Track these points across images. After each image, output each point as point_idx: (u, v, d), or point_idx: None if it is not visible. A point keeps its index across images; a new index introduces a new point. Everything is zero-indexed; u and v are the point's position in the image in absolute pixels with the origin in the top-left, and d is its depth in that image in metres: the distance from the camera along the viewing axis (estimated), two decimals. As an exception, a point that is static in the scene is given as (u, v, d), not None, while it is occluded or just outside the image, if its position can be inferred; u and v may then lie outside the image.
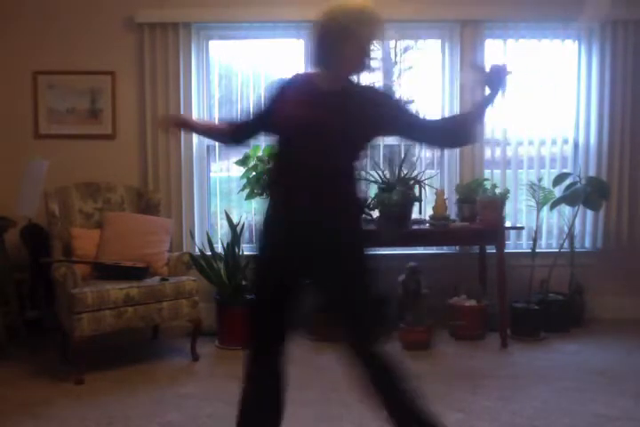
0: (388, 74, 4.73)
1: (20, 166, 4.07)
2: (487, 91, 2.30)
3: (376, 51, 2.29)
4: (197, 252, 4.35)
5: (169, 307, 3.74)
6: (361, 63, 2.26)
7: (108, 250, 3.95)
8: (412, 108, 2.38)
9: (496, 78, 2.30)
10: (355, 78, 2.35)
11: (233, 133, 2.49)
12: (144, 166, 4.54)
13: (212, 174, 4.75)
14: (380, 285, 2.29)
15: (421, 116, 2.36)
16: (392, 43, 4.85)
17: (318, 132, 2.22)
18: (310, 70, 2.34)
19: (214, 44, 4.68)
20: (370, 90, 2.39)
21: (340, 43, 2.18)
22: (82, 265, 3.80)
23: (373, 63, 2.29)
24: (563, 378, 3.51)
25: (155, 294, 3.70)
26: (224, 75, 4.80)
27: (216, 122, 2.49)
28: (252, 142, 2.66)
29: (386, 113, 2.28)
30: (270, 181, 2.38)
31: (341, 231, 2.27)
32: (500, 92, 2.31)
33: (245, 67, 4.69)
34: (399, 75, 4.85)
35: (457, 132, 2.33)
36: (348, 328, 2.30)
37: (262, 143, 4.02)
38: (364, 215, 2.44)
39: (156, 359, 3.91)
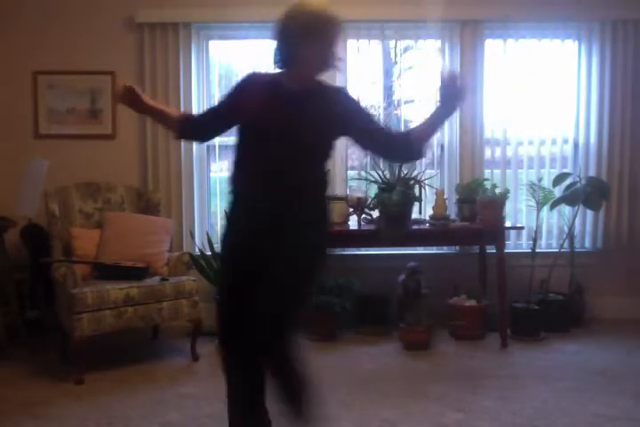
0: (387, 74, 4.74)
1: (20, 166, 4.07)
2: (441, 105, 2.29)
3: (340, 50, 2.31)
4: (197, 252, 4.35)
5: (169, 307, 3.74)
6: (324, 63, 2.29)
7: (108, 250, 3.95)
8: (374, 116, 2.43)
9: (449, 94, 2.27)
10: (320, 78, 2.37)
11: (184, 125, 2.45)
12: (144, 166, 4.54)
13: (211, 174, 4.75)
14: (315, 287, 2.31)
15: (381, 125, 2.41)
16: (392, 43, 4.86)
17: (282, 131, 2.25)
18: (275, 70, 2.36)
19: (214, 44, 4.68)
20: (334, 90, 2.42)
21: (301, 43, 2.21)
22: (82, 265, 3.80)
23: (338, 62, 2.32)
24: (563, 378, 3.51)
25: (155, 294, 3.70)
26: (224, 75, 4.80)
27: (171, 109, 2.45)
28: (203, 140, 2.67)
29: (347, 113, 2.32)
30: (233, 178, 2.40)
31: (299, 232, 2.29)
32: (453, 108, 2.30)
33: (245, 67, 4.69)
34: (399, 75, 4.85)
35: (410, 148, 2.36)
36: (265, 325, 2.24)
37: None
38: (329, 215, 2.45)
39: (156, 359, 3.91)
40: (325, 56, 2.26)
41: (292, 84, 2.31)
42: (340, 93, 2.40)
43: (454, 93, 2.25)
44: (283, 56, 2.27)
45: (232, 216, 2.43)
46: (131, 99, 2.33)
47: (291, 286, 2.27)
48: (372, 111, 2.43)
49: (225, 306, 2.48)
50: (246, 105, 2.30)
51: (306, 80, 2.32)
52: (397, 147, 2.37)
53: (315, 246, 2.34)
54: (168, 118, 2.47)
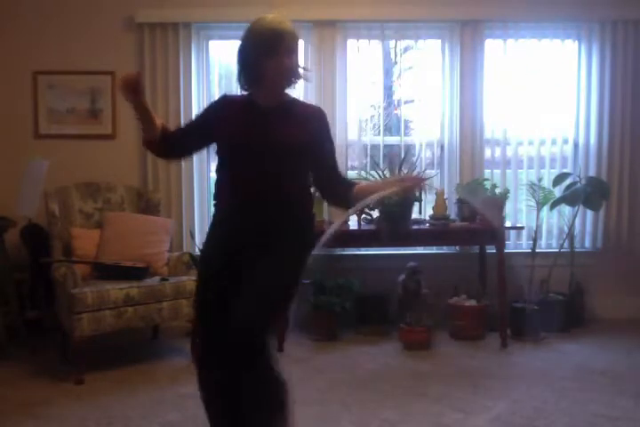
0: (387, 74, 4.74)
1: (20, 166, 4.07)
2: (397, 189, 2.30)
3: (302, 61, 2.35)
4: (197, 252, 4.34)
5: (169, 307, 3.74)
6: (289, 75, 2.30)
7: (108, 250, 3.95)
8: (334, 151, 2.42)
9: (406, 190, 2.35)
10: (293, 93, 2.41)
11: (161, 140, 2.39)
12: (144, 166, 4.54)
13: (211, 174, 4.74)
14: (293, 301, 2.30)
15: (336, 164, 2.41)
16: (392, 43, 4.86)
17: (266, 148, 2.26)
18: (244, 91, 2.37)
19: (214, 44, 4.67)
20: (314, 108, 2.45)
21: (262, 59, 2.23)
22: (82, 265, 3.80)
23: (304, 73, 2.35)
24: (563, 378, 3.51)
25: (155, 294, 3.70)
26: (224, 75, 4.80)
27: (158, 117, 2.44)
28: (169, 157, 2.66)
29: (318, 133, 2.35)
30: (216, 198, 2.42)
31: (282, 247, 2.29)
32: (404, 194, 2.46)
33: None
34: (399, 75, 4.85)
35: (345, 199, 2.35)
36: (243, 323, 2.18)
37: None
38: (315, 230, 2.45)
39: (156, 359, 3.91)
40: (289, 69, 2.27)
41: (265, 101, 2.33)
42: (321, 113, 2.41)
43: (409, 191, 2.40)
44: (248, 76, 2.29)
45: (215, 230, 2.42)
46: (134, 88, 2.30)
47: (268, 294, 2.24)
48: (334, 148, 2.46)
49: (205, 318, 2.40)
50: (223, 127, 2.31)
51: (277, 95, 2.35)
52: (335, 191, 2.40)
53: (296, 260, 2.33)
54: (153, 123, 2.39)
